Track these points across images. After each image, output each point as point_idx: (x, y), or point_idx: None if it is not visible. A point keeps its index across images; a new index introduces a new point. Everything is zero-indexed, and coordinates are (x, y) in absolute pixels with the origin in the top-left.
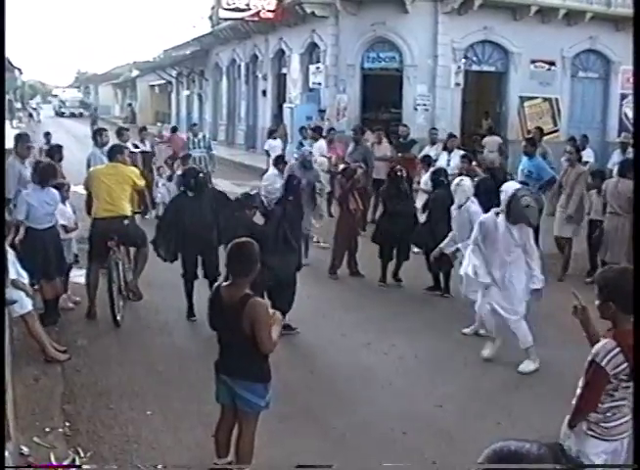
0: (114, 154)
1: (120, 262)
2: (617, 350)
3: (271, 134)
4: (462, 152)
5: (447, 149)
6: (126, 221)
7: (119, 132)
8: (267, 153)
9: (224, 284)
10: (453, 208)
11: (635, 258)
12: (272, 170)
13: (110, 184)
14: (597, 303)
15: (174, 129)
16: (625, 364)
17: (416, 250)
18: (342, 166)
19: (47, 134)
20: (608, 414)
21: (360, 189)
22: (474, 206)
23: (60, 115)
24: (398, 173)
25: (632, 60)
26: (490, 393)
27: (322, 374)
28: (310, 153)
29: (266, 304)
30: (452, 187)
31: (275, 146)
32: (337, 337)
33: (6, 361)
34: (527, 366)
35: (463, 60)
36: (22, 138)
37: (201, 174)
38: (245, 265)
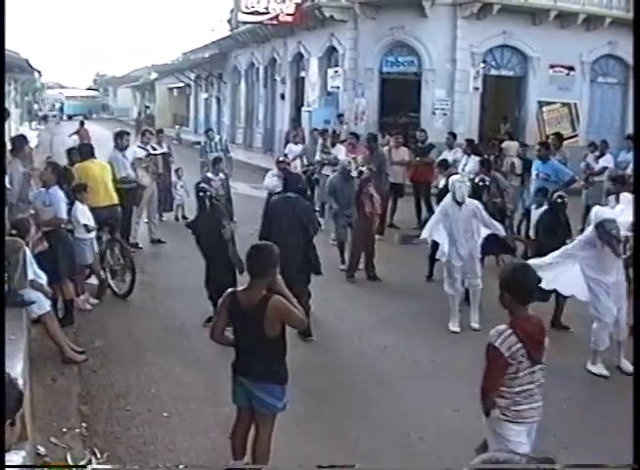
0: (85, 152)
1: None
2: (510, 331)
3: (295, 138)
4: (478, 157)
5: (467, 153)
6: (119, 209)
7: (143, 134)
8: (286, 156)
9: (240, 288)
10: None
11: (635, 257)
12: (273, 170)
13: (103, 177)
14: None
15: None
16: (519, 345)
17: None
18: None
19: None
20: (517, 398)
21: (377, 192)
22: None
23: (43, 119)
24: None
25: (632, 60)
26: None
27: (338, 377)
28: (349, 162)
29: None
30: (451, 184)
31: (295, 151)
32: (353, 340)
33: (24, 362)
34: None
35: (482, 64)
36: (19, 140)
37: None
38: (262, 266)
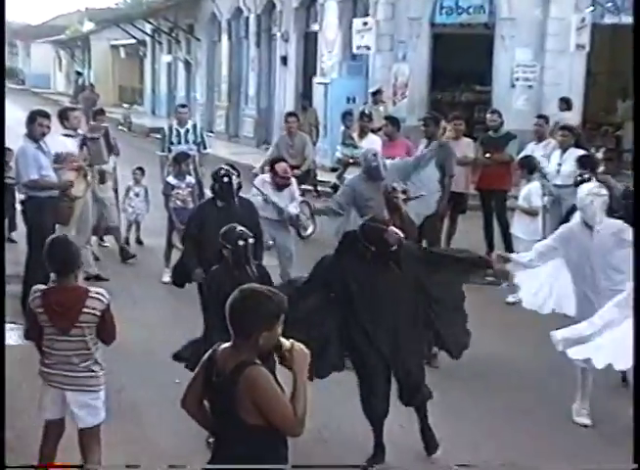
0: None
1: None
2: (39, 294)
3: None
4: (581, 151)
5: (563, 147)
6: None
7: (64, 114)
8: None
9: (222, 346)
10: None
11: (635, 257)
12: (262, 176)
13: None
14: None
15: None
16: (42, 309)
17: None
18: None
19: None
20: (46, 361)
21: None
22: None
23: None
24: None
25: (632, 60)
26: (515, 441)
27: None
28: (375, 155)
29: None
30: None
31: (374, 140)
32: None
33: None
34: None
35: (590, 8)
36: None
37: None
38: (246, 323)
